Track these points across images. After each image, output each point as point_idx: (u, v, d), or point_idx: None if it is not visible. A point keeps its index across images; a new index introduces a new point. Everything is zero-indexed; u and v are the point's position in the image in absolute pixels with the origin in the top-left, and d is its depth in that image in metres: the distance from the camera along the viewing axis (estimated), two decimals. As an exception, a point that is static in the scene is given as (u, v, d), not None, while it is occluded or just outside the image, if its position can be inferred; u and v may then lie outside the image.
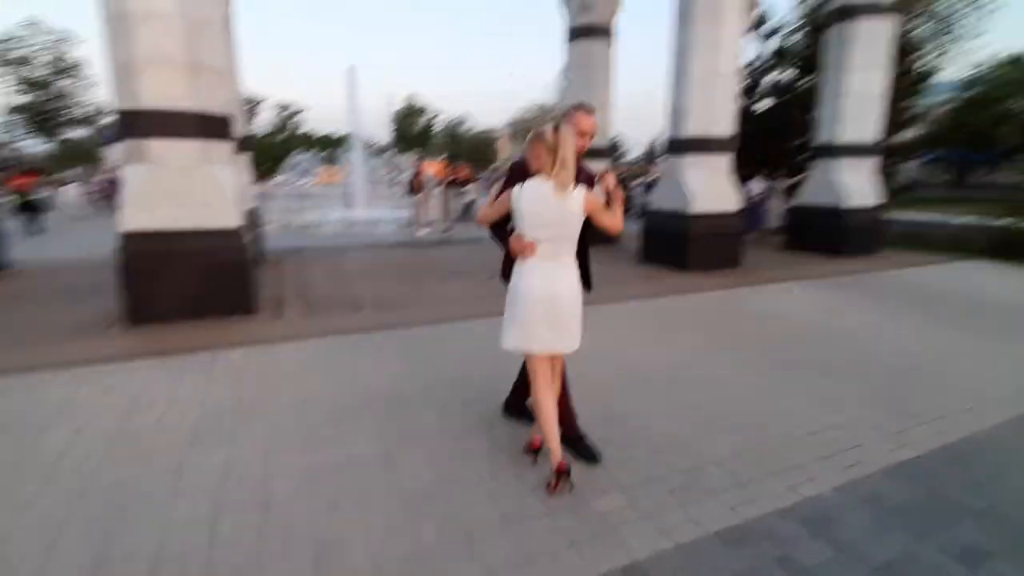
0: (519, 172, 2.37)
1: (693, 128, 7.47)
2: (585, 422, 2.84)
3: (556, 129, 2.20)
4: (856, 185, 8.96)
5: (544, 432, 2.42)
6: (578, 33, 10.18)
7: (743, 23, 7.29)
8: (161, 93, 4.49)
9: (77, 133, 39.46)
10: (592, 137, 2.47)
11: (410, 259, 8.85)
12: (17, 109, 34.81)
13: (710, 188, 7.54)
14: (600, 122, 10.26)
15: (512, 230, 2.38)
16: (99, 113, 36.98)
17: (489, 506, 2.31)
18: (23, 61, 33.76)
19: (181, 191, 4.65)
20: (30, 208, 11.30)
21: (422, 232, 12.06)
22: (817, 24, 11.14)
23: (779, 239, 10.48)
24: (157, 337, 4.47)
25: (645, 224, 8.40)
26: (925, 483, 2.51)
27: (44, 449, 2.72)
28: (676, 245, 7.61)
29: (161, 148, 4.59)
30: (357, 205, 16.20)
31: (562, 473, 2.35)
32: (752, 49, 12.69)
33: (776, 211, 11.33)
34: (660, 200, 8.18)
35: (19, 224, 11.82)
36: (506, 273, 2.50)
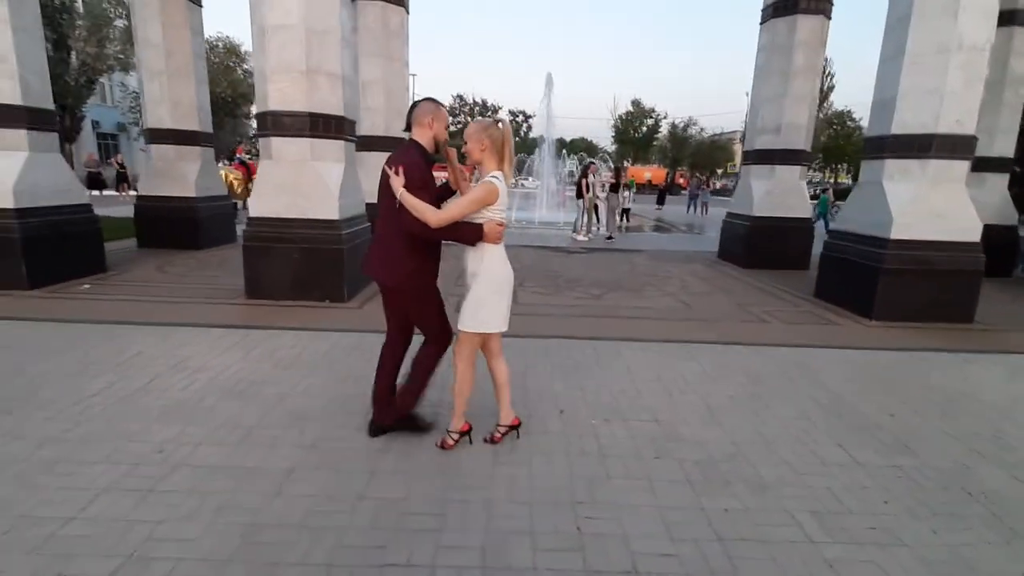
0: (421, 166, 2.49)
1: (904, 121, 5.42)
2: (549, 502, 2.37)
3: (498, 124, 2.49)
4: None
5: (459, 400, 2.72)
6: (784, 8, 8.43)
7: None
8: (282, 96, 5.08)
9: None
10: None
11: (546, 264, 8.55)
12: None
13: (924, 206, 5.40)
14: (803, 118, 8.43)
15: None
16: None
17: (341, 557, 1.91)
18: None
19: (290, 183, 5.23)
20: None
21: (580, 238, 11.59)
22: None
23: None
24: (250, 311, 5.09)
25: (825, 249, 6.49)
26: None
27: (82, 391, 3.24)
28: (862, 281, 5.67)
29: (279, 145, 5.22)
30: (538, 207, 16.53)
31: (465, 433, 2.78)
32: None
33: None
34: (848, 219, 6.21)
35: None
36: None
